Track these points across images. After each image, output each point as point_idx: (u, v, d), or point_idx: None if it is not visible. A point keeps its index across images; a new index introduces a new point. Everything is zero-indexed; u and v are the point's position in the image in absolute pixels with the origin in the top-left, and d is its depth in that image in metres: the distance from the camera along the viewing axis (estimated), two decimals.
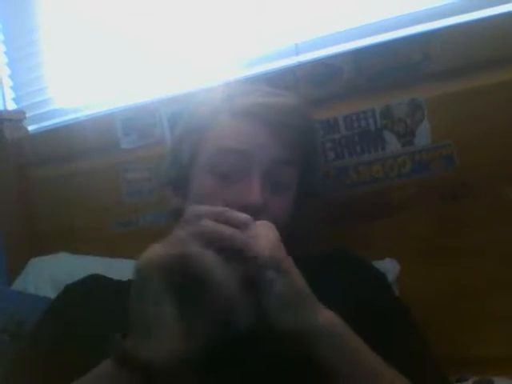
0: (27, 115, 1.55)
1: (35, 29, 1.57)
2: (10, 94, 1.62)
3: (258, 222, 0.68)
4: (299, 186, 0.94)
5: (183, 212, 0.95)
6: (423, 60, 1.08)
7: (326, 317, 0.68)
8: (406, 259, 1.05)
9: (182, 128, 1.00)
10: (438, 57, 1.07)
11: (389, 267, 1.01)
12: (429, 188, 1.07)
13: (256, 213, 0.84)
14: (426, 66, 1.07)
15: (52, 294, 1.04)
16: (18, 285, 1.28)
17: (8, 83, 1.62)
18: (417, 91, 1.08)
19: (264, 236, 0.66)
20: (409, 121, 1.08)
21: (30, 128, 1.56)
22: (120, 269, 1.19)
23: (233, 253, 0.62)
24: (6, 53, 1.62)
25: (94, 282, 0.93)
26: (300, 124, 0.92)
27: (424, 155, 1.07)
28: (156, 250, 0.63)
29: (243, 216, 0.66)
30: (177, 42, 1.36)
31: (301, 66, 1.18)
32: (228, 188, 0.87)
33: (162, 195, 1.02)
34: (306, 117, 0.95)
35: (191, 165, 0.93)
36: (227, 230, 0.63)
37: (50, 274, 1.25)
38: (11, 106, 1.62)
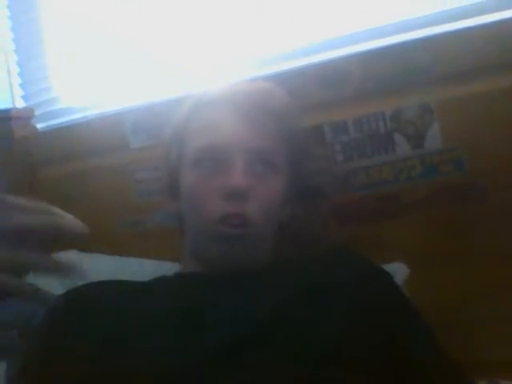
0: (36, 113, 1.55)
1: (44, 27, 1.58)
2: (19, 92, 1.62)
3: None
4: (293, 175, 0.94)
5: (181, 215, 0.96)
6: (433, 63, 1.07)
7: None
8: (414, 262, 1.04)
9: (169, 130, 1.01)
10: (448, 60, 1.07)
11: (397, 270, 1.00)
12: (438, 191, 1.07)
13: (242, 197, 0.85)
14: (435, 69, 1.07)
15: (60, 291, 1.04)
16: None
17: (17, 81, 1.62)
18: (427, 94, 1.08)
19: None
20: (419, 123, 1.07)
21: (39, 126, 1.56)
22: (128, 267, 1.20)
23: None
24: (15, 51, 1.62)
25: (87, 292, 0.89)
26: (274, 105, 0.92)
27: (434, 158, 1.07)
28: None
29: None
30: (188, 42, 1.36)
31: (310, 68, 1.18)
32: (212, 180, 0.88)
33: None
34: (280, 99, 0.95)
35: (179, 165, 0.94)
36: None
37: None
38: (20, 103, 1.62)
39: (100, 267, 1.20)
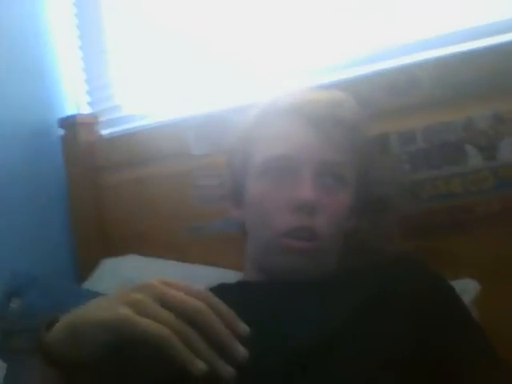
0: (101, 120, 1.59)
1: (110, 35, 1.61)
2: (85, 99, 1.66)
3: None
4: (359, 187, 0.92)
5: (243, 223, 0.95)
6: (507, 71, 1.03)
7: None
8: (484, 280, 0.99)
9: (234, 138, 1.00)
10: None
11: (468, 287, 0.96)
12: None
13: (311, 210, 0.83)
14: (510, 77, 1.03)
15: None
16: (89, 285, 1.30)
17: (84, 88, 1.66)
18: (501, 103, 1.03)
19: None
20: (492, 134, 1.03)
21: (104, 132, 1.59)
22: (189, 273, 1.20)
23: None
24: (82, 58, 1.66)
25: None
26: (345, 116, 0.90)
27: (507, 171, 1.02)
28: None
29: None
30: (252, 49, 1.36)
31: (378, 74, 1.15)
32: (280, 191, 0.87)
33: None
34: (352, 109, 0.93)
35: (244, 174, 0.93)
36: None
37: (121, 275, 1.26)
38: (86, 110, 1.66)
39: (160, 272, 1.21)
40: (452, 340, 0.80)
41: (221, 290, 0.90)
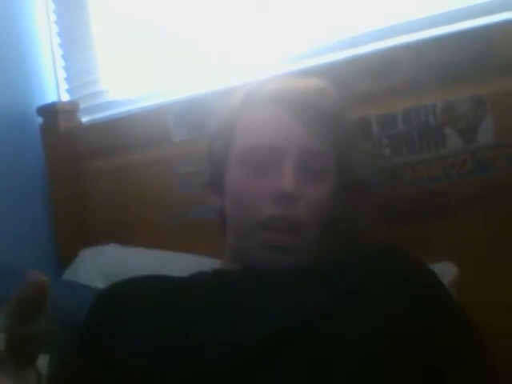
0: (81, 107, 1.57)
1: (89, 21, 1.59)
2: (64, 86, 1.64)
3: None
4: (340, 173, 0.91)
5: (223, 211, 0.94)
6: (486, 53, 1.03)
7: None
8: (465, 262, 1.00)
9: (215, 124, 0.99)
10: (502, 50, 1.02)
11: (446, 270, 0.96)
12: (491, 188, 1.02)
13: (291, 199, 0.83)
14: (489, 59, 1.03)
15: (102, 285, 1.04)
16: (68, 275, 1.29)
17: (62, 75, 1.64)
18: (480, 86, 1.04)
19: None
20: (471, 117, 1.03)
21: (84, 119, 1.57)
22: (169, 261, 1.20)
23: None
24: (60, 45, 1.64)
25: (127, 289, 0.89)
26: (328, 105, 0.89)
27: (486, 153, 1.02)
28: None
29: None
30: (232, 34, 1.35)
31: (358, 58, 1.14)
32: (260, 180, 0.86)
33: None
34: (334, 98, 0.92)
35: (225, 162, 0.92)
36: None
37: (101, 265, 1.25)
38: (65, 97, 1.64)
39: (140, 261, 1.21)
40: (434, 332, 0.78)
41: (198, 279, 0.90)
